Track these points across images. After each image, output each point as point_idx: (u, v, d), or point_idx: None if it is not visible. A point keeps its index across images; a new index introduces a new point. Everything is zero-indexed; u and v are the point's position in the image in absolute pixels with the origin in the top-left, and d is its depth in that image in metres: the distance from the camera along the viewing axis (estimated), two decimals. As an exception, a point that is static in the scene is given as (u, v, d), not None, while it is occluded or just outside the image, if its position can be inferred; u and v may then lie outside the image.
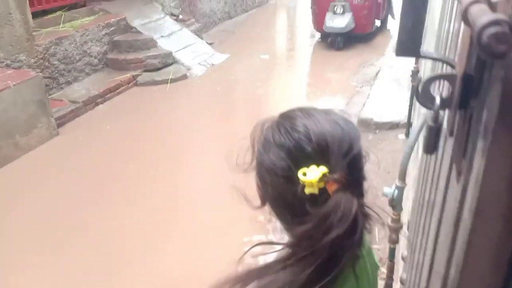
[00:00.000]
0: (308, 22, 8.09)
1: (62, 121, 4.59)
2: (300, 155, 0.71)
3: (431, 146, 0.51)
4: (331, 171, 0.67)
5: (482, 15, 0.34)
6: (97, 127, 4.67)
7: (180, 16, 7.28)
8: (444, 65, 1.07)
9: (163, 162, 3.95)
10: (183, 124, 4.76)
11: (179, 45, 6.49)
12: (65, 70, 5.22)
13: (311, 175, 0.67)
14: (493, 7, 0.37)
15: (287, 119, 0.78)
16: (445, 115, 0.58)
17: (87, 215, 3.19)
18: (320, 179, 0.66)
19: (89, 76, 5.59)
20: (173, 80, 5.81)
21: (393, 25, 8.16)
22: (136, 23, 6.36)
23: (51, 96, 4.81)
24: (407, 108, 3.47)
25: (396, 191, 1.53)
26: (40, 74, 4.41)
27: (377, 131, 3.95)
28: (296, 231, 0.69)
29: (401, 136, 3.77)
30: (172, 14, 7.14)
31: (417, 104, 3.50)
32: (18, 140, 3.98)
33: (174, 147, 4.24)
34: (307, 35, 8.30)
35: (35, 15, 4.97)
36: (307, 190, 0.67)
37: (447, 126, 0.57)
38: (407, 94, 3.77)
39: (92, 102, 5.07)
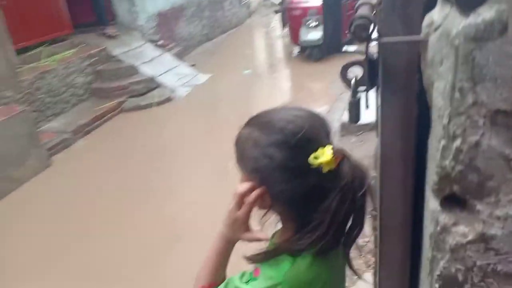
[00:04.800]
0: (285, 37, 8.34)
1: (53, 152, 4.65)
2: (303, 145, 0.76)
3: (353, 117, 0.66)
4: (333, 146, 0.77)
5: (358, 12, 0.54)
6: (87, 156, 4.74)
7: (160, 42, 7.46)
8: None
9: (156, 186, 4.00)
10: (171, 146, 4.86)
11: (162, 69, 6.63)
12: (52, 103, 5.31)
13: (325, 155, 0.74)
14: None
15: (264, 123, 0.83)
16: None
17: (79, 244, 3.24)
18: (332, 155, 0.75)
19: (75, 106, 5.68)
20: (158, 103, 5.93)
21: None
22: (117, 52, 6.49)
23: (40, 128, 4.88)
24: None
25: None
26: (27, 108, 4.49)
27: (358, 133, 4.11)
28: (322, 208, 0.76)
29: (383, 135, 3.92)
30: (151, 41, 7.31)
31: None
32: (12, 173, 4.03)
33: (165, 170, 4.31)
34: (286, 49, 8.54)
35: (17, 52, 5.08)
36: (326, 169, 0.75)
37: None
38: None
39: (80, 131, 5.15)
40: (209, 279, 0.93)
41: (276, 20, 10.12)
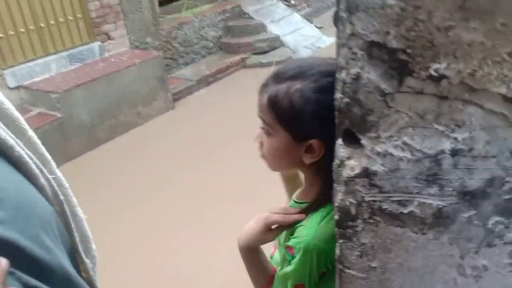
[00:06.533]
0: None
1: (177, 97, 5.22)
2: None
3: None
4: None
5: None
6: (207, 103, 5.19)
7: (292, 2, 7.52)
8: None
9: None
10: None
11: (288, 29, 6.74)
12: (184, 52, 5.88)
13: None
14: None
15: (298, 73, 0.80)
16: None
17: (188, 172, 3.68)
18: None
19: (204, 58, 6.19)
20: (278, 63, 6.08)
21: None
22: (249, 9, 6.78)
23: (170, 74, 5.48)
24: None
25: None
26: (162, 54, 5.07)
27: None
28: None
29: None
30: (284, 0, 7.41)
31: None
32: (140, 110, 4.69)
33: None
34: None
35: (161, 3, 5.69)
36: None
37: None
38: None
39: (204, 81, 5.64)
40: (262, 282, 0.92)
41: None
